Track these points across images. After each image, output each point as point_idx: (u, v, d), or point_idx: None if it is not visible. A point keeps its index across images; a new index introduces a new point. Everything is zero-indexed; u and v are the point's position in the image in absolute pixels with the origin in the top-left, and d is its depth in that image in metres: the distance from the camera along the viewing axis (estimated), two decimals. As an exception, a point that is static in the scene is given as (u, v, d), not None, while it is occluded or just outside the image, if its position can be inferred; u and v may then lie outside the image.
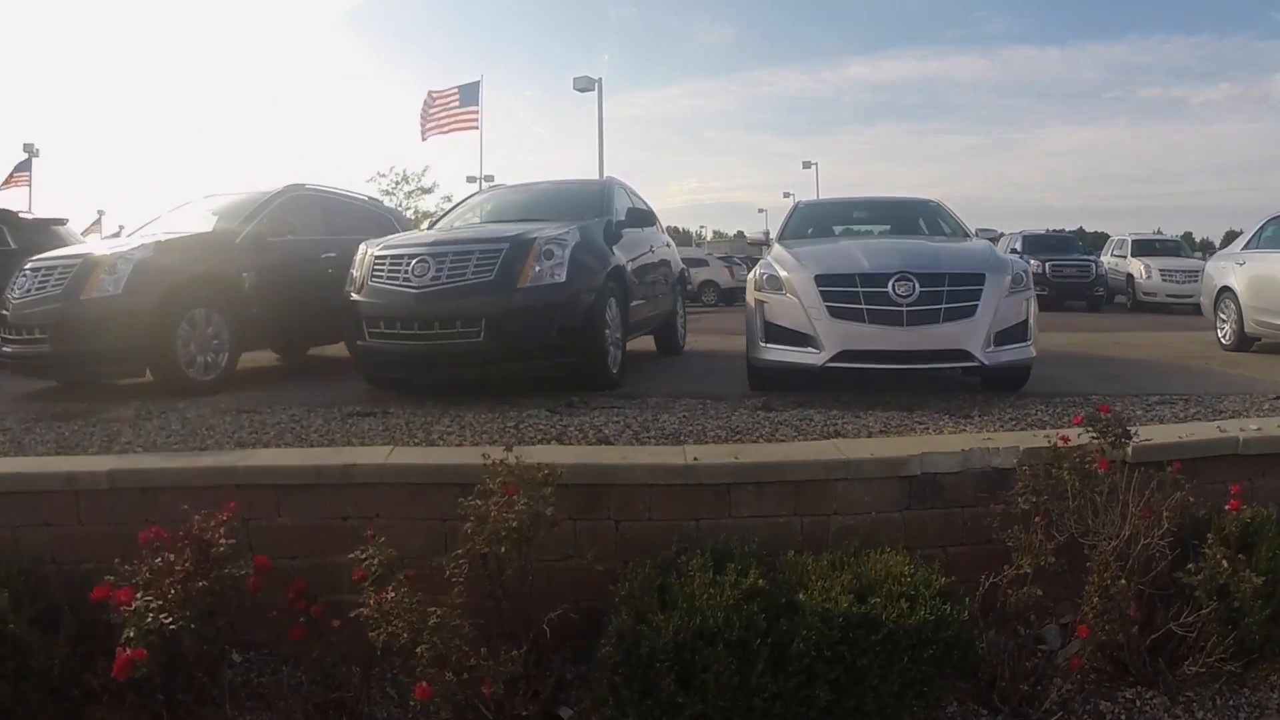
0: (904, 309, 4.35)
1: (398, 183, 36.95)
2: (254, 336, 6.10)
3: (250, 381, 6.03)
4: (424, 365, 4.92)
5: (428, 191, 37.83)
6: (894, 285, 4.38)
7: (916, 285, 4.37)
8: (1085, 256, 17.69)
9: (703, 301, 21.39)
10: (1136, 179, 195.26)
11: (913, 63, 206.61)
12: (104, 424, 4.51)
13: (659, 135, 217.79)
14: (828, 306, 4.45)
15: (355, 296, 5.11)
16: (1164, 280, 16.74)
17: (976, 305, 4.42)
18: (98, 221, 45.46)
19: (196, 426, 4.36)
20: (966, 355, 4.44)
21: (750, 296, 4.96)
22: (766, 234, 6.58)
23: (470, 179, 37.35)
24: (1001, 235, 21.42)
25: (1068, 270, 16.82)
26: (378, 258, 5.11)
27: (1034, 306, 4.83)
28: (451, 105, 34.21)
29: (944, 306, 4.39)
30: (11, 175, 28.76)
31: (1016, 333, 4.64)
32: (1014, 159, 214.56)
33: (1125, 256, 18.17)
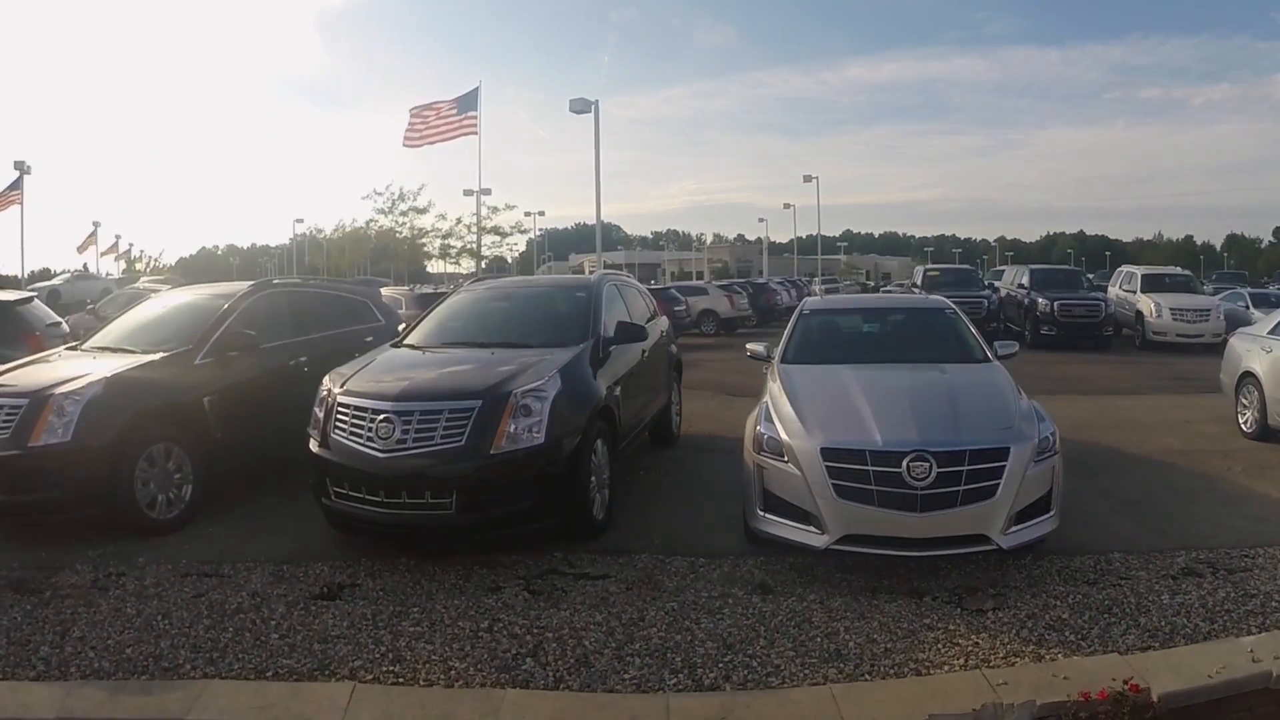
0: (918, 493, 4.00)
1: (394, 202, 36.68)
2: (222, 462, 5.77)
3: (219, 504, 5.71)
4: (393, 534, 4.62)
5: (422, 212, 37.54)
6: (909, 465, 4.02)
7: (934, 466, 4.00)
8: (1094, 295, 17.31)
9: (701, 330, 20.98)
10: (1136, 180, 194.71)
11: (912, 64, 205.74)
12: (58, 601, 4.24)
13: (659, 136, 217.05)
14: (834, 484, 4.08)
15: (317, 449, 4.78)
16: (1174, 319, 16.37)
17: (998, 485, 4.06)
18: (93, 234, 45.35)
19: (154, 613, 4.07)
20: (983, 539, 4.09)
21: (748, 455, 4.60)
22: (767, 351, 6.07)
23: (468, 192, 37.13)
24: (998, 285, 20.92)
25: (1076, 310, 16.47)
26: (341, 405, 4.76)
27: (1060, 469, 4.46)
28: (450, 112, 34.08)
29: (962, 489, 4.01)
30: (3, 195, 28.46)
31: (1040, 505, 4.28)
32: (1014, 160, 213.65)
33: (1135, 291, 17.79)
